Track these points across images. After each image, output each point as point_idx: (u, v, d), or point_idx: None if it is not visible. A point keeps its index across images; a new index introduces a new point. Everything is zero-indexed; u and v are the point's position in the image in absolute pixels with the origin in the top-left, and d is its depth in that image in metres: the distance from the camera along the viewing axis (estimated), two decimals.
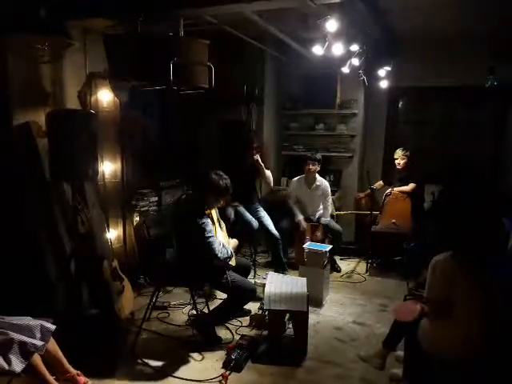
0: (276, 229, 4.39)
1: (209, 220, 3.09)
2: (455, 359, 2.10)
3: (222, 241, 3.17)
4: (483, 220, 2.33)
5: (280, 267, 4.31)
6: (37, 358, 2.22)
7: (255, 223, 4.24)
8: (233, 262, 3.22)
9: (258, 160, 4.27)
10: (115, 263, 3.32)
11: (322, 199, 4.72)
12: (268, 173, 4.38)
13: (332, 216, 4.84)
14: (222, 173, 3.14)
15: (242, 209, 4.30)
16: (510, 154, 5.07)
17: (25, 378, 2.26)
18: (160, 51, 2.74)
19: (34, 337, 2.25)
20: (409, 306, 2.40)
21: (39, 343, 2.23)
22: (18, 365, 2.12)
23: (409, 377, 2.52)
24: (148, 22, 2.98)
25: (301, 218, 4.60)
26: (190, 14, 3.18)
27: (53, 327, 2.36)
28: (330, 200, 4.79)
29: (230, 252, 3.12)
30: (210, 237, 3.02)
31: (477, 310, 2.11)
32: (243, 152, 4.29)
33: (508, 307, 2.08)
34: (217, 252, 3.00)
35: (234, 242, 3.35)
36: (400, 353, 2.78)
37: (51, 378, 2.30)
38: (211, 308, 3.36)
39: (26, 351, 2.16)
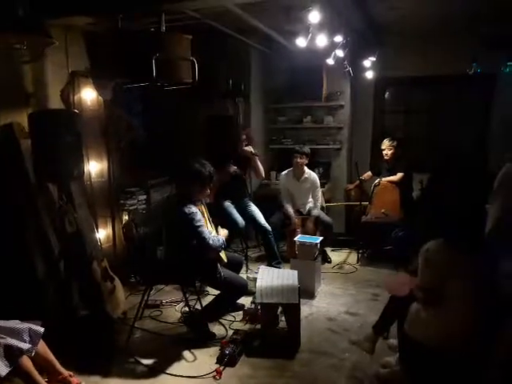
0: (267, 223, 4.38)
1: (198, 211, 3.08)
2: (445, 347, 2.12)
3: (213, 233, 3.18)
4: (471, 207, 2.35)
5: (274, 260, 4.30)
6: (27, 361, 2.20)
7: (241, 223, 4.17)
8: (224, 258, 3.23)
9: (251, 151, 4.22)
10: (105, 263, 3.29)
11: (311, 191, 4.74)
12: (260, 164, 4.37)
13: (322, 208, 4.85)
14: (204, 161, 3.15)
15: (229, 208, 4.25)
16: (496, 140, 5.11)
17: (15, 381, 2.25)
18: (142, 47, 2.72)
19: (22, 340, 2.22)
20: (401, 280, 2.41)
21: (26, 346, 2.21)
22: (2, 368, 2.09)
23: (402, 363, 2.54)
24: (129, 18, 2.95)
25: (292, 213, 4.61)
26: (172, 9, 3.14)
27: (41, 330, 2.34)
28: (320, 192, 4.81)
29: (222, 240, 3.12)
30: (199, 226, 3.01)
31: (466, 298, 2.13)
32: (232, 146, 4.25)
33: (493, 294, 2.10)
34: (208, 240, 3.00)
35: (224, 232, 3.34)
36: (392, 341, 2.81)
37: (42, 381, 2.28)
38: (204, 305, 3.35)
39: (11, 355, 2.14)
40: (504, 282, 2.04)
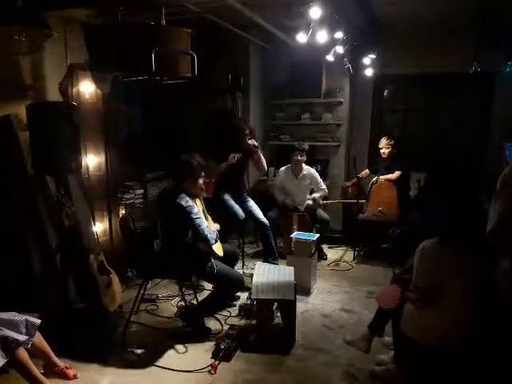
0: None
1: (194, 204, 3.09)
2: (441, 345, 2.13)
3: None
4: (469, 206, 2.35)
5: (271, 255, 4.28)
6: (23, 353, 2.21)
7: (241, 215, 4.17)
8: (220, 253, 3.23)
9: (255, 145, 4.22)
10: (102, 257, 3.29)
11: (310, 188, 4.74)
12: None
13: (320, 205, 4.85)
14: (193, 154, 3.16)
15: (229, 201, 4.25)
16: (495, 140, 5.12)
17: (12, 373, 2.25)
18: (141, 40, 2.70)
19: (19, 332, 2.23)
20: (390, 293, 2.43)
21: (22, 338, 2.21)
22: None
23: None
24: (129, 10, 2.93)
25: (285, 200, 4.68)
26: (171, 2, 3.13)
27: (38, 321, 2.34)
28: (323, 183, 4.82)
29: (216, 234, 3.13)
30: (196, 219, 3.01)
31: (463, 297, 2.14)
32: (233, 141, 4.23)
33: (491, 293, 2.11)
34: (205, 233, 3.00)
35: (215, 226, 3.34)
36: (387, 338, 2.82)
37: (38, 373, 2.29)
38: (200, 299, 3.36)
39: (8, 346, 2.14)
40: (503, 281, 2.05)
